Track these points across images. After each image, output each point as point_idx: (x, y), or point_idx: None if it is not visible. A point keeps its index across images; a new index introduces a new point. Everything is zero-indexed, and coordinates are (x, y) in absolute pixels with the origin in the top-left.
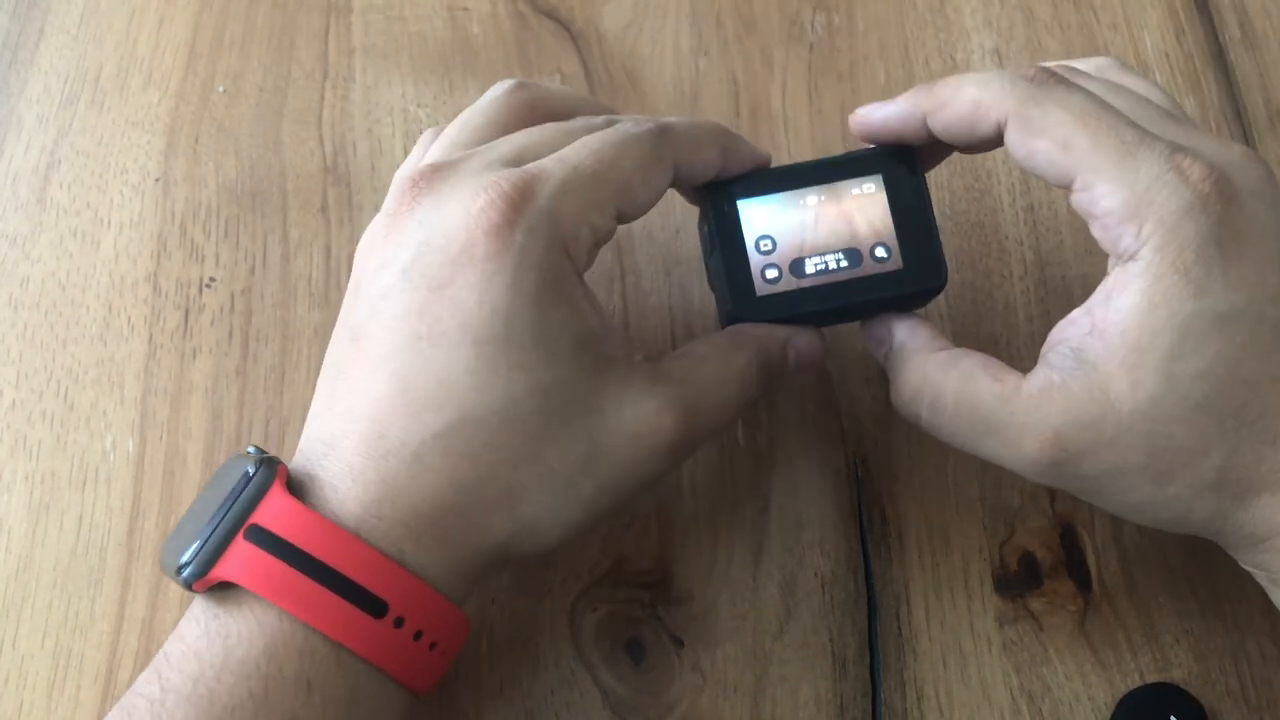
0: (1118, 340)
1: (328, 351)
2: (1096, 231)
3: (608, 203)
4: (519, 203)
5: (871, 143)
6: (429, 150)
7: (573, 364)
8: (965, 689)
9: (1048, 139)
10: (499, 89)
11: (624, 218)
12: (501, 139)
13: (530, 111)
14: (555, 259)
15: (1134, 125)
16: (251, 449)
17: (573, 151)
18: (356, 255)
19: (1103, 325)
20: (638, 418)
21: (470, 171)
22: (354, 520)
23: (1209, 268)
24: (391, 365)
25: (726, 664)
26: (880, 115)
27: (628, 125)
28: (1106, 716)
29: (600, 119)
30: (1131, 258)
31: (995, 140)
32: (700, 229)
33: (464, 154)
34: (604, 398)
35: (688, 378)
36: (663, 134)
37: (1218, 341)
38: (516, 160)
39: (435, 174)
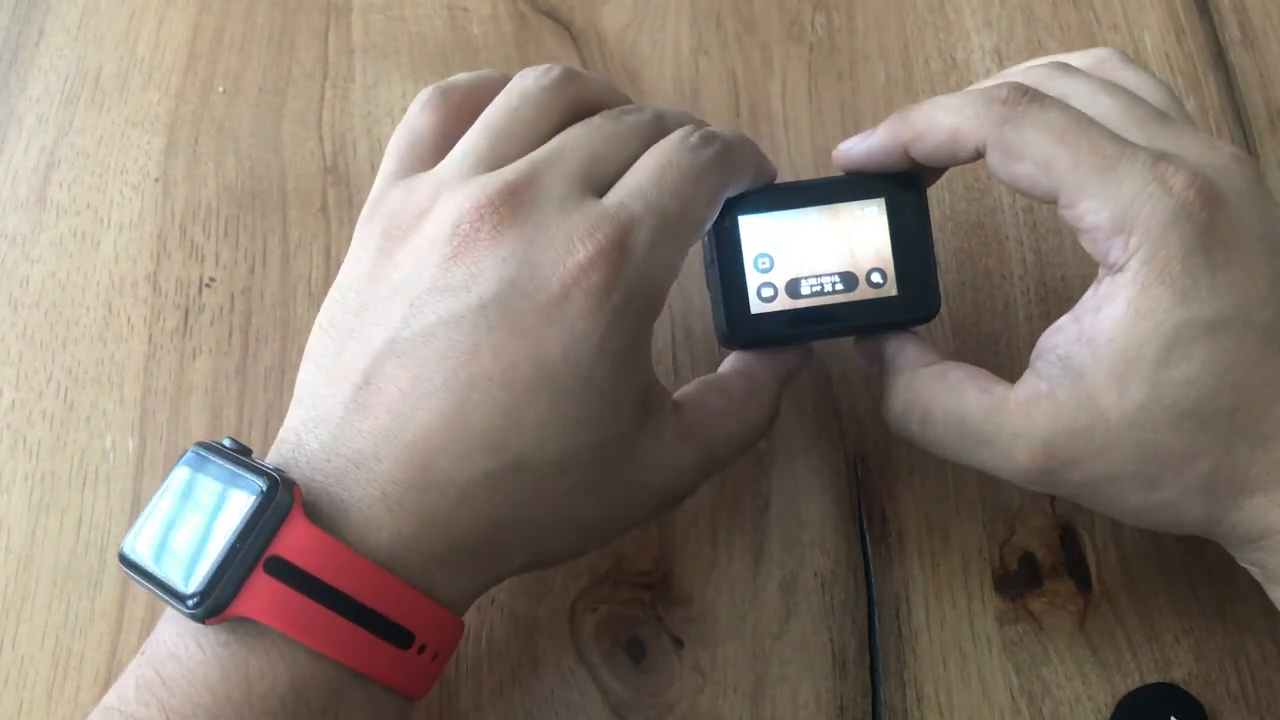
0: (1105, 349)
1: (338, 344)
2: (1086, 245)
3: (687, 246)
4: (617, 261)
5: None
6: (475, 144)
7: (630, 420)
8: (965, 689)
9: (1028, 162)
10: (547, 77)
11: None
12: (565, 146)
13: (578, 106)
14: (643, 319)
15: (1114, 137)
16: (227, 441)
17: (653, 186)
18: (375, 240)
19: (1090, 334)
20: (663, 476)
21: (556, 204)
22: (385, 551)
23: (1195, 276)
24: (449, 397)
25: (726, 664)
26: (862, 149)
27: (693, 143)
28: (1106, 716)
29: (648, 115)
30: (1120, 269)
31: (981, 157)
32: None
33: (536, 169)
34: (642, 451)
35: (707, 435)
36: (727, 156)
37: (1205, 348)
38: (590, 177)
39: (517, 200)
